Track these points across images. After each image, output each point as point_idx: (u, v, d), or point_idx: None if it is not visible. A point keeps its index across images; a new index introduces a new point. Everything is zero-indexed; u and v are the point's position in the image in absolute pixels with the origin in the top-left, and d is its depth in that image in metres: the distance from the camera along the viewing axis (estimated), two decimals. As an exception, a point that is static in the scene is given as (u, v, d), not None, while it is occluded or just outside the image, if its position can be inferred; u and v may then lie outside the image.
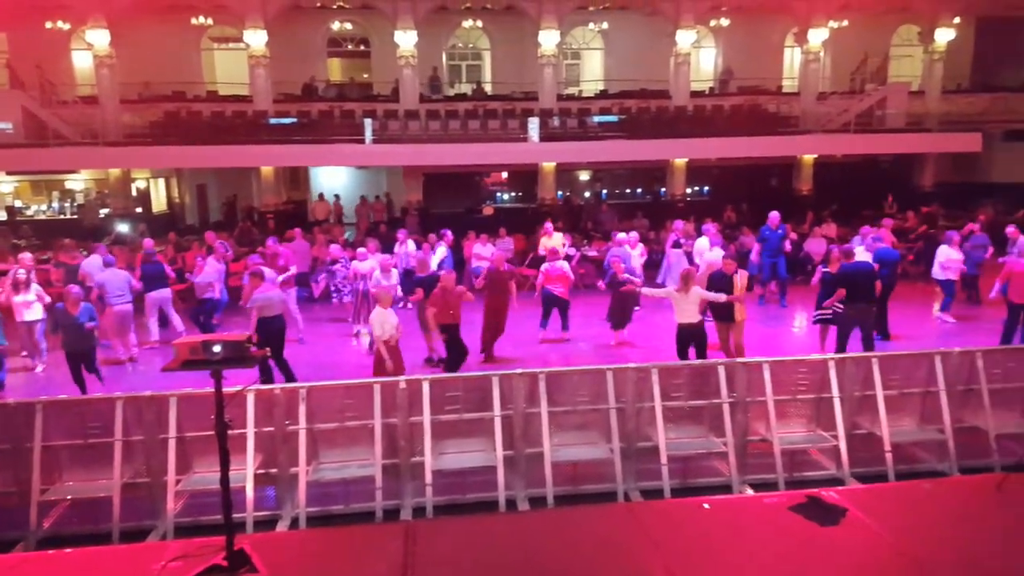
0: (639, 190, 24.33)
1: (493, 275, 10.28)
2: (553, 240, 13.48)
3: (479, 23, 22.90)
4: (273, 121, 19.35)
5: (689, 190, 22.34)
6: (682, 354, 8.60)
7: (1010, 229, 11.93)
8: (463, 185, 22.50)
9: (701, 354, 8.52)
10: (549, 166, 20.71)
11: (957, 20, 21.94)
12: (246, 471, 5.97)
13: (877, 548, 4.45)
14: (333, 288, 12.20)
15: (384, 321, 7.95)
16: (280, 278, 10.44)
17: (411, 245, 13.13)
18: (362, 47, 23.41)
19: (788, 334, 11.72)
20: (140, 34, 19.36)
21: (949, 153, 22.13)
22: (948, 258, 11.45)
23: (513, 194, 23.98)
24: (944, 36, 21.67)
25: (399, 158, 19.44)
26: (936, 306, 12.14)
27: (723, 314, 9.09)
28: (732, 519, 4.82)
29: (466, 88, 23.27)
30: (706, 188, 23.79)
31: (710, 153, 20.57)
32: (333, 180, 22.67)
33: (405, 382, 6.22)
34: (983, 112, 22.79)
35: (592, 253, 15.50)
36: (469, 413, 6.38)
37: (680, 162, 21.15)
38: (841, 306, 9.40)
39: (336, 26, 22.73)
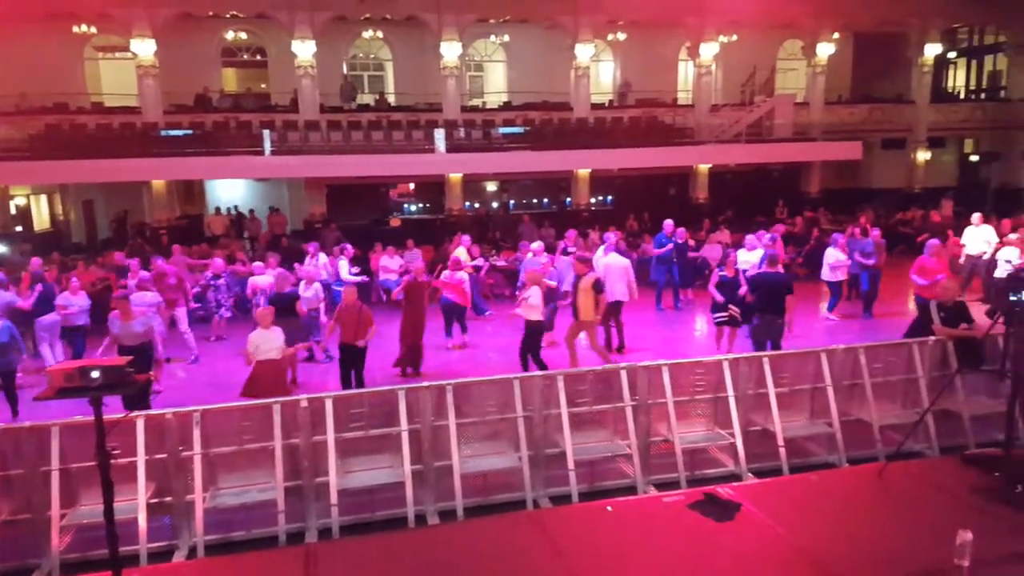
0: (545, 200, 24.68)
1: (411, 287, 10.20)
2: (457, 251, 13.46)
3: (379, 34, 22.75)
4: (165, 133, 18.55)
5: (593, 199, 22.85)
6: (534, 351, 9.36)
7: (875, 233, 12.86)
8: (368, 197, 22.22)
9: (534, 352, 9.32)
10: (456, 177, 20.74)
11: (837, 35, 23.42)
12: (138, 501, 5.66)
13: (769, 541, 4.65)
14: (214, 304, 11.80)
15: (263, 341, 7.57)
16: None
17: (322, 258, 12.86)
18: (258, 57, 22.80)
19: (686, 337, 12.12)
20: (16, 43, 18.20)
21: (833, 161, 23.50)
22: (836, 260, 12.14)
23: (420, 205, 23.86)
24: (825, 50, 23.04)
25: (300, 170, 19.03)
26: (824, 306, 12.82)
27: (574, 312, 9.65)
28: (634, 520, 4.93)
29: (368, 99, 23.03)
30: (609, 197, 24.39)
31: (611, 164, 21.12)
32: (231, 193, 21.93)
33: (307, 400, 6.05)
34: (862, 122, 24.39)
35: (501, 263, 15.59)
36: (375, 429, 6.27)
37: (584, 172, 21.61)
38: (737, 309, 9.82)
39: (230, 35, 22.04)
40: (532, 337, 9.37)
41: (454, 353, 11.10)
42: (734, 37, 23.46)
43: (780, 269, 9.97)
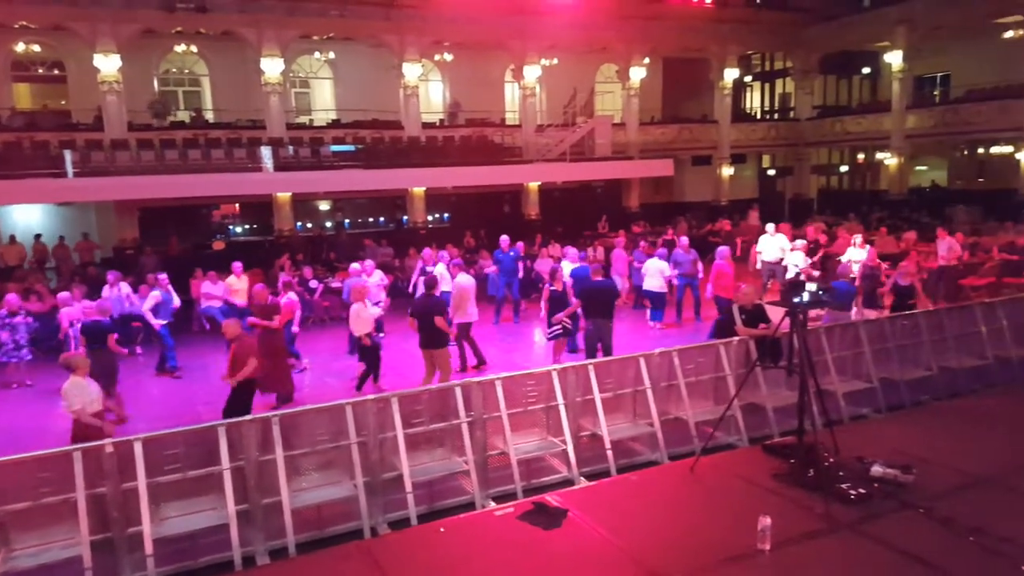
0: (382, 219, 24.46)
1: (261, 309, 9.80)
2: (239, 282, 12.89)
3: (194, 48, 21.55)
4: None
5: (430, 217, 22.93)
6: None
7: (683, 241, 13.96)
8: (188, 219, 20.86)
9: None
10: (284, 196, 20.04)
11: (647, 60, 25.12)
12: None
13: (593, 544, 4.85)
14: (12, 345, 10.57)
15: (83, 391, 6.70)
16: None
17: (125, 288, 11.88)
18: (55, 71, 20.81)
19: (523, 349, 12.45)
20: None
21: (650, 177, 25.17)
22: (659, 270, 12.94)
23: (247, 227, 22.79)
24: (637, 74, 24.66)
25: (107, 192, 17.52)
26: (649, 314, 13.59)
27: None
28: (466, 537, 4.96)
29: (184, 116, 21.71)
30: (446, 215, 24.60)
31: (445, 182, 21.34)
32: (28, 219, 19.77)
33: (112, 445, 5.56)
34: (673, 141, 26.32)
35: (336, 284, 15.23)
36: (193, 470, 5.87)
37: (419, 190, 21.63)
38: (570, 321, 10.24)
39: (21, 48, 19.93)
40: (361, 353, 9.66)
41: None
42: (555, 60, 24.55)
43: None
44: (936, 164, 27.81)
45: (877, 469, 5.83)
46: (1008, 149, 22.98)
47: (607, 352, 9.76)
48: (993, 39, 23.19)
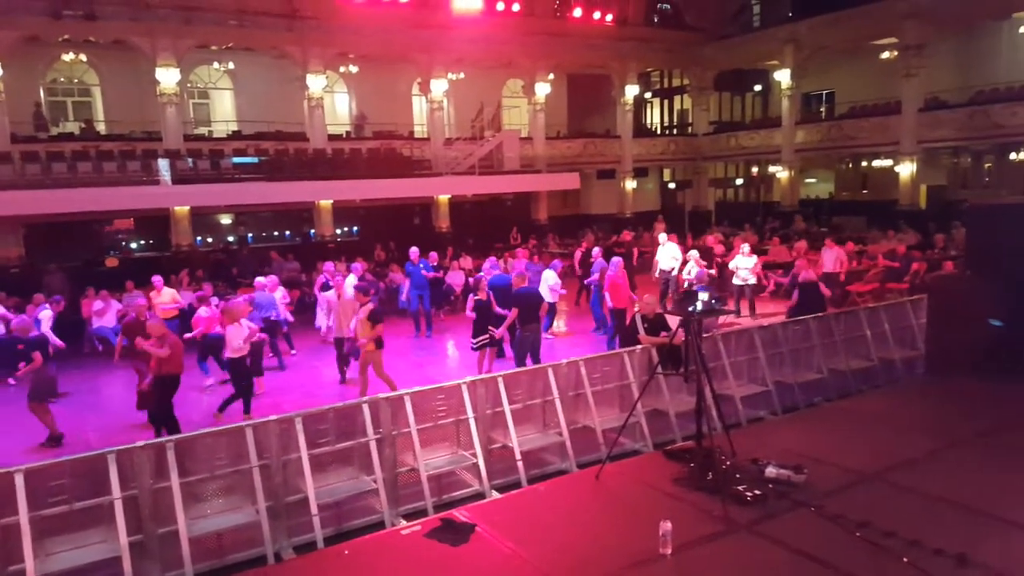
0: (288, 232, 23.85)
1: (134, 327, 9.35)
2: (161, 296, 12.55)
3: (83, 57, 20.49)
4: None
5: (339, 230, 22.54)
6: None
7: (596, 251, 14.27)
8: (79, 235, 19.76)
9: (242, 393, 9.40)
10: (182, 210, 19.28)
11: (552, 76, 25.60)
12: None
13: (500, 558, 4.85)
14: None
15: None
16: None
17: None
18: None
19: (437, 362, 12.37)
20: None
21: (558, 190, 25.60)
22: (555, 282, 13.15)
23: (143, 242, 21.75)
24: (542, 90, 25.11)
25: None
26: (559, 323, 13.77)
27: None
28: (370, 559, 4.87)
29: (73, 127, 20.56)
30: (355, 228, 24.24)
31: (352, 195, 21.06)
32: None
33: (-12, 479, 5.19)
34: (579, 155, 26.91)
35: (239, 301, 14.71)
36: (81, 501, 5.54)
37: (326, 203, 21.25)
38: (496, 330, 10.31)
39: None
40: (235, 376, 9.30)
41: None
42: (462, 75, 24.68)
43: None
44: (824, 177, 29.49)
45: (771, 470, 6.08)
46: (888, 163, 24.65)
47: (536, 358, 9.89)
48: (872, 59, 24.92)
